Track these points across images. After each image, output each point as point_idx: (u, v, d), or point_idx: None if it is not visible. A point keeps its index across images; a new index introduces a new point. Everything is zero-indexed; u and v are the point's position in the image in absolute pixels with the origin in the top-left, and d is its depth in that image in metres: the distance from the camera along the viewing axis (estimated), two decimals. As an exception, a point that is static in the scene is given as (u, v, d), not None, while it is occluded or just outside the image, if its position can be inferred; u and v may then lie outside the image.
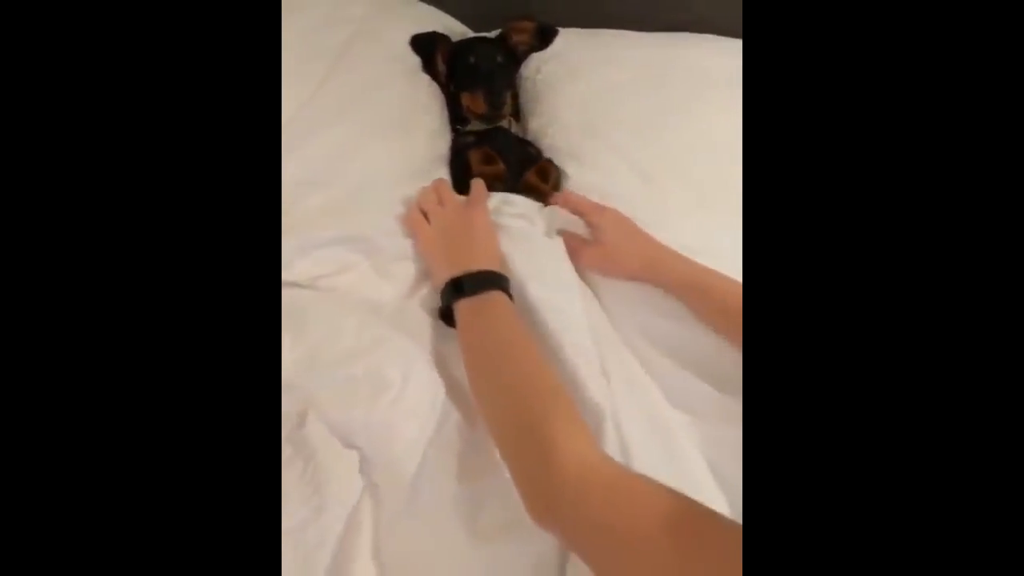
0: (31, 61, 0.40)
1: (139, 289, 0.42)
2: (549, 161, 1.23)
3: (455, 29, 1.40)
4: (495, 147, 1.22)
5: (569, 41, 1.36)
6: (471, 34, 1.41)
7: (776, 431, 0.41)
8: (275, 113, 0.61)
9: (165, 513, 0.41)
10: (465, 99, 1.29)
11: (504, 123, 1.32)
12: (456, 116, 1.32)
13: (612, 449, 0.76)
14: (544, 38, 1.36)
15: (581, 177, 1.19)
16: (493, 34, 1.38)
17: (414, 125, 1.21)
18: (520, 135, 1.32)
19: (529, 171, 1.19)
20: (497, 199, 1.07)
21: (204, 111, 0.44)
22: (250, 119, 0.46)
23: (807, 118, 0.43)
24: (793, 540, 0.39)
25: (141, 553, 0.40)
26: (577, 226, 1.07)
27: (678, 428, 0.87)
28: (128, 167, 0.42)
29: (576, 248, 1.04)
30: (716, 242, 1.10)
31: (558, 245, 1.04)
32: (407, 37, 1.30)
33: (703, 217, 1.13)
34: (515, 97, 1.34)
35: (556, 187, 1.19)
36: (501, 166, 1.17)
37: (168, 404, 0.42)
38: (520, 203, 1.09)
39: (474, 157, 1.20)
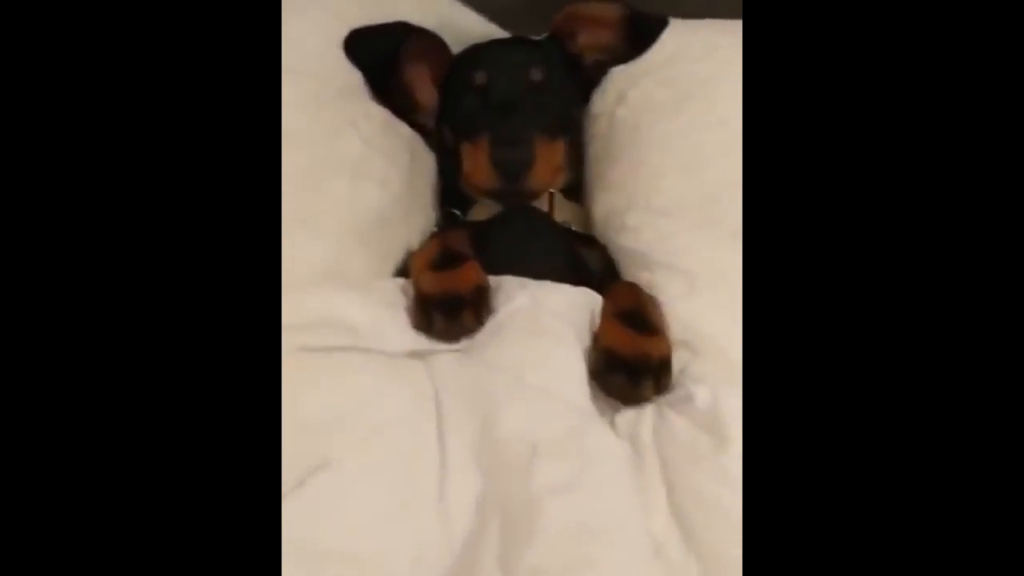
0: (19, 59, 0.41)
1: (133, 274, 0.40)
2: (632, 286, 0.60)
3: (474, 31, 0.78)
4: (507, 248, 0.62)
5: (676, 43, 0.69)
6: (501, 35, 0.79)
7: (775, 436, 0.39)
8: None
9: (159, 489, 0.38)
10: (466, 156, 0.66)
11: (542, 201, 0.67)
12: (451, 191, 0.69)
13: None
14: (639, 36, 0.71)
15: (694, 319, 0.58)
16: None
17: (353, 207, 0.63)
18: (570, 226, 0.67)
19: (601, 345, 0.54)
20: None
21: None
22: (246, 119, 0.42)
23: (808, 119, 0.40)
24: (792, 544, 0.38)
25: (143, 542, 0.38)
26: None
27: None
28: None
29: None
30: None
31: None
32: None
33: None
34: (578, 153, 0.70)
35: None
36: (475, 280, 0.56)
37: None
38: None
39: (417, 259, 0.62)
